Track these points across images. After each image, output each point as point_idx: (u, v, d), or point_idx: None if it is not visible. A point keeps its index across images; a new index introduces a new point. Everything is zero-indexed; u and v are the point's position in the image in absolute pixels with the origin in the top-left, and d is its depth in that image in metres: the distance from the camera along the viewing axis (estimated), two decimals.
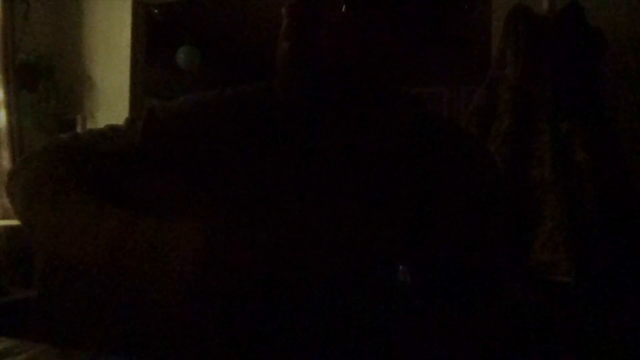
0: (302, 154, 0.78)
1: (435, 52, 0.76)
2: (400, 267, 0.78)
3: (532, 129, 1.88)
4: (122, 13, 2.99)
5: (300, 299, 0.73)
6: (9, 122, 2.68)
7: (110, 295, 0.77)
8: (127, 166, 0.80)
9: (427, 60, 0.77)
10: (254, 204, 0.76)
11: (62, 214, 0.71)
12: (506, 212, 1.81)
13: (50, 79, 2.95)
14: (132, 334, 0.76)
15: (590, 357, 1.69)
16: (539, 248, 1.79)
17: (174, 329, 0.74)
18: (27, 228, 0.76)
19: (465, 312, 0.78)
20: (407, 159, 0.79)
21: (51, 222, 0.72)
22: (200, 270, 0.63)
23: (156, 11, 3.16)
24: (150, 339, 0.75)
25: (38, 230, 0.74)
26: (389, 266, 0.78)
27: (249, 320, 0.73)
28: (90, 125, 3.00)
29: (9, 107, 2.69)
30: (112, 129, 0.84)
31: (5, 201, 0.81)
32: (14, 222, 2.35)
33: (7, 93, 2.69)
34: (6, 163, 2.66)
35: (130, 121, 0.84)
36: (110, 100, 2.98)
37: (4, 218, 2.48)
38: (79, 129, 2.97)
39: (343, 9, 0.69)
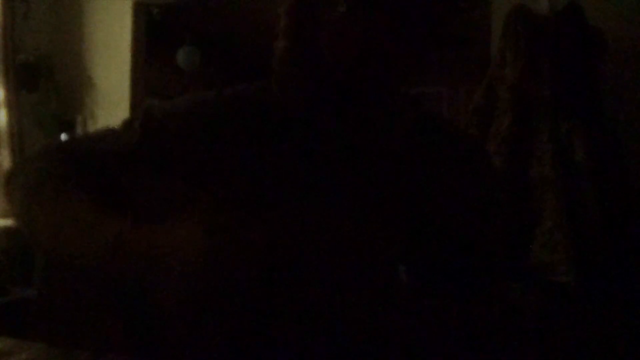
0: (300, 153, 0.78)
1: (434, 52, 0.76)
2: (399, 267, 0.78)
3: (532, 128, 1.88)
4: (122, 13, 2.98)
5: (300, 298, 0.73)
6: (9, 122, 2.68)
7: (110, 296, 0.77)
8: (126, 167, 0.80)
9: (427, 60, 0.77)
10: (253, 204, 0.76)
11: (60, 216, 0.71)
12: (503, 211, 1.81)
13: (50, 79, 2.95)
14: (132, 334, 0.76)
15: (590, 357, 1.69)
16: (539, 248, 1.79)
17: (174, 329, 0.74)
18: (25, 230, 0.76)
19: (464, 312, 0.78)
20: (406, 158, 0.79)
21: (50, 224, 0.72)
22: (199, 272, 0.63)
23: (156, 11, 3.16)
24: (150, 339, 0.75)
25: (37, 232, 0.74)
26: (388, 266, 0.78)
27: (249, 320, 0.73)
28: (90, 125, 3.00)
29: (9, 107, 2.69)
30: (110, 130, 0.84)
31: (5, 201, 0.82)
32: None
33: (7, 93, 2.69)
34: (6, 163, 2.66)
35: (128, 122, 0.84)
36: (110, 100, 2.98)
37: (3, 218, 2.48)
38: (79, 129, 2.97)
39: (343, 9, 0.69)
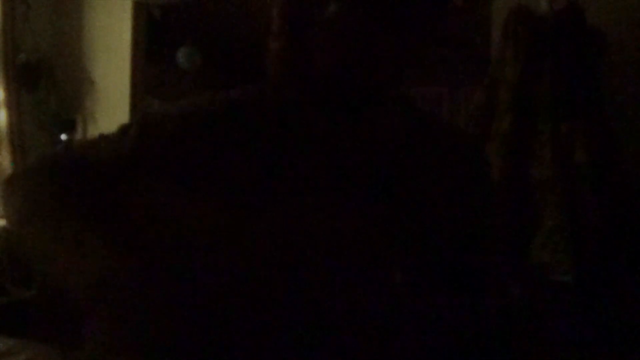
0: (296, 155, 0.78)
1: (430, 52, 0.76)
2: (396, 266, 0.78)
3: (532, 129, 1.88)
4: (122, 13, 2.99)
5: (297, 299, 0.73)
6: (9, 122, 2.68)
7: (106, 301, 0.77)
8: (121, 173, 0.81)
9: (421, 60, 0.77)
10: (249, 207, 0.76)
11: (51, 235, 0.72)
12: (499, 210, 1.81)
13: (50, 79, 2.95)
14: (132, 334, 0.76)
15: (590, 357, 1.69)
16: (539, 248, 1.79)
17: (171, 332, 0.74)
18: (21, 238, 0.77)
19: (462, 311, 0.78)
20: (401, 158, 0.79)
21: (40, 242, 0.73)
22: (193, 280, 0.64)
23: (156, 11, 3.16)
24: (149, 339, 0.75)
25: (31, 244, 0.75)
26: (385, 265, 0.78)
27: (246, 322, 0.73)
28: (90, 125, 3.00)
29: (9, 107, 2.69)
30: (104, 137, 0.85)
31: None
32: None
33: (7, 93, 2.69)
34: (6, 163, 2.67)
35: (124, 128, 0.84)
36: (110, 100, 2.98)
37: (3, 218, 2.48)
38: (79, 129, 2.97)
39: (335, 9, 0.69)
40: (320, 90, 0.74)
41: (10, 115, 2.68)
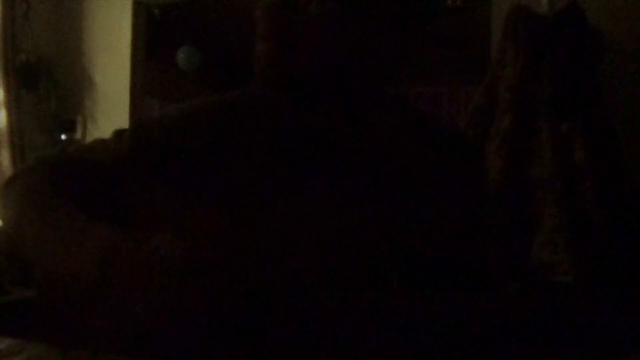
0: (287, 156, 0.78)
1: (415, 51, 0.76)
2: (393, 266, 0.78)
3: (532, 129, 1.88)
4: (122, 13, 2.98)
5: (293, 300, 0.73)
6: (9, 122, 2.68)
7: (105, 300, 0.77)
8: (116, 176, 0.81)
9: (411, 59, 0.77)
10: (245, 208, 0.76)
11: (49, 229, 0.72)
12: (499, 209, 1.81)
13: (50, 79, 2.95)
14: (131, 334, 0.76)
15: (589, 357, 1.69)
16: (539, 248, 1.79)
17: (169, 332, 0.74)
18: (15, 241, 0.77)
19: (459, 310, 0.78)
20: (393, 156, 0.79)
21: (38, 238, 0.73)
22: (187, 282, 0.64)
23: (156, 11, 3.16)
24: (148, 339, 0.75)
25: (26, 244, 0.76)
26: (379, 264, 0.78)
27: (242, 323, 0.74)
28: (90, 125, 3.00)
29: (9, 107, 2.69)
30: (100, 141, 0.85)
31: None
32: None
33: (7, 93, 2.68)
34: (6, 163, 2.66)
35: (119, 132, 0.85)
36: (110, 100, 2.98)
37: None
38: (79, 129, 2.97)
39: (316, 10, 0.69)
40: (307, 91, 0.74)
41: (10, 115, 2.68)
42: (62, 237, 0.70)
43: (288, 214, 0.75)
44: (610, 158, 1.83)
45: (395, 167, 0.79)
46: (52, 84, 2.96)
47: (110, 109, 2.97)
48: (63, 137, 2.96)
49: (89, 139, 2.96)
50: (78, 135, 2.97)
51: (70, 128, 2.96)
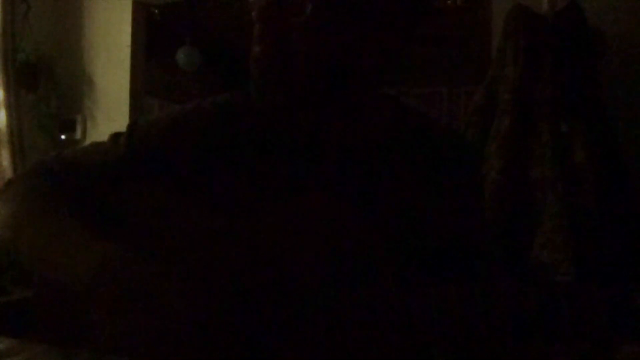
0: (282, 157, 0.78)
1: (408, 52, 0.76)
2: (386, 266, 0.78)
3: (532, 129, 1.88)
4: (122, 13, 2.98)
5: (291, 300, 0.73)
6: (9, 122, 2.68)
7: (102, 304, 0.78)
8: (112, 180, 0.81)
9: (405, 60, 0.77)
10: (238, 210, 0.76)
11: (46, 235, 0.73)
12: (499, 209, 1.81)
13: (50, 79, 2.95)
14: (131, 334, 0.76)
15: (589, 357, 1.69)
16: (539, 248, 1.79)
17: (169, 333, 0.74)
18: (10, 245, 0.77)
19: (458, 308, 0.78)
20: (387, 157, 0.79)
21: (35, 243, 0.73)
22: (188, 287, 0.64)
23: (156, 11, 3.16)
24: (148, 339, 0.75)
25: (22, 249, 0.76)
26: (376, 263, 0.78)
27: (242, 325, 0.74)
28: (90, 126, 3.00)
29: (9, 107, 2.68)
30: (96, 145, 0.85)
31: None
32: None
33: (7, 93, 2.68)
34: (6, 163, 2.66)
35: (115, 136, 0.85)
36: (110, 100, 2.98)
37: None
38: (79, 129, 2.97)
39: (309, 11, 0.69)
40: (302, 92, 0.75)
41: (10, 116, 2.68)
42: (58, 247, 0.71)
43: (284, 216, 0.75)
44: (610, 158, 1.83)
45: (388, 167, 0.79)
46: (52, 84, 2.96)
47: (110, 109, 2.97)
48: (63, 137, 2.96)
49: (89, 139, 2.96)
50: (78, 135, 2.97)
51: (70, 128, 2.96)
